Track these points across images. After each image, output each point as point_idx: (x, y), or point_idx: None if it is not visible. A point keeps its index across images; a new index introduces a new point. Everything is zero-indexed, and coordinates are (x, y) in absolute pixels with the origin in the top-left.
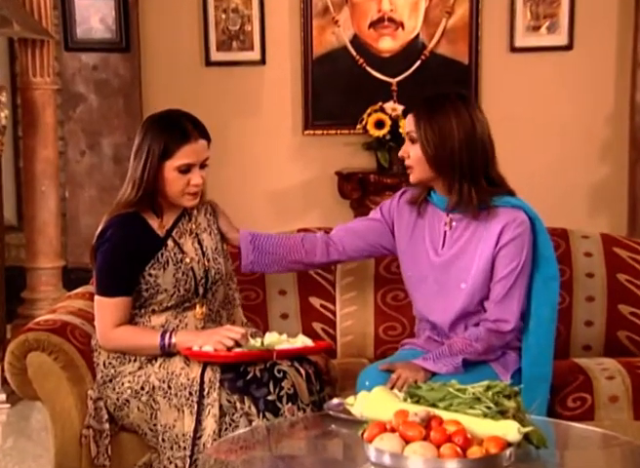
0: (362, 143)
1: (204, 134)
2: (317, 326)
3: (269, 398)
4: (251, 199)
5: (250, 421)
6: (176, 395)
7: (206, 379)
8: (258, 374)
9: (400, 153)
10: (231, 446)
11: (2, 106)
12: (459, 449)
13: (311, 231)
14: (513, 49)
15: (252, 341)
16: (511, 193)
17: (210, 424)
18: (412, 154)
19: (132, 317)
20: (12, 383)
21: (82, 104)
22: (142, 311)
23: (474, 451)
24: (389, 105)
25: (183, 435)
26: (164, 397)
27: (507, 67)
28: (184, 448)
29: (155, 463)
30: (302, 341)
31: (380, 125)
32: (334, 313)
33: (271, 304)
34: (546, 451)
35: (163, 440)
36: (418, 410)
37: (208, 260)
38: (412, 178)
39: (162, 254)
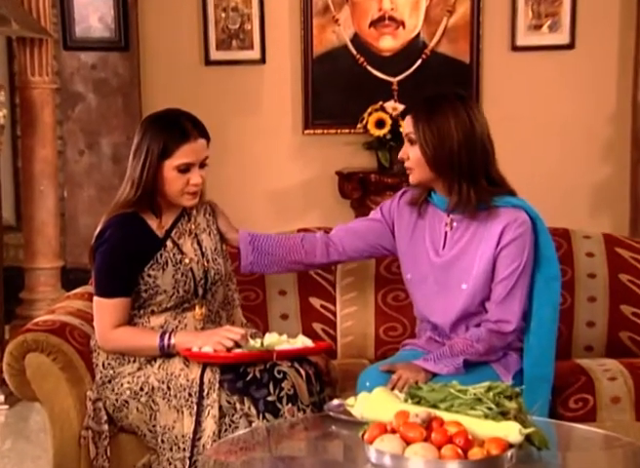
0: (362, 143)
1: (203, 133)
2: (317, 326)
3: (269, 399)
4: (251, 199)
5: (250, 422)
6: (175, 396)
7: (205, 380)
8: (257, 375)
9: (400, 155)
10: (231, 447)
11: (0, 106)
12: (460, 451)
13: (311, 231)
14: (515, 48)
15: (251, 342)
16: (512, 193)
17: (209, 425)
18: (411, 155)
19: (131, 318)
20: (10, 384)
21: (81, 104)
22: (141, 312)
23: (475, 453)
24: (390, 105)
25: (183, 436)
26: (163, 398)
27: (509, 66)
28: (184, 449)
29: (154, 464)
30: (302, 342)
31: (380, 124)
32: (334, 313)
33: (271, 305)
34: (548, 453)
35: (162, 441)
36: (418, 411)
37: (207, 261)
38: (412, 180)
39: (161, 255)
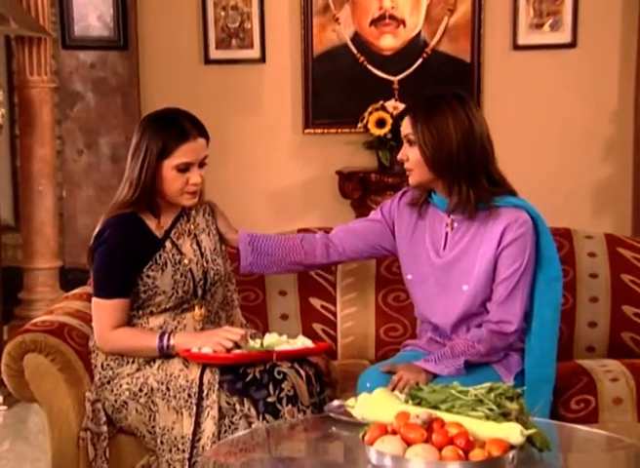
0: (363, 142)
1: (202, 132)
2: (317, 327)
3: (269, 400)
4: (250, 198)
5: (249, 423)
6: (174, 397)
7: (205, 381)
8: (257, 376)
9: (399, 156)
10: (231, 448)
11: None
12: (461, 452)
13: (311, 232)
14: (516, 47)
15: (251, 342)
16: (513, 193)
17: (209, 426)
18: (410, 157)
19: (130, 318)
20: (8, 385)
21: (79, 103)
22: (140, 313)
23: (476, 454)
24: (390, 104)
25: (182, 437)
26: (162, 399)
27: (510, 65)
28: (183, 450)
29: (154, 466)
30: (303, 342)
31: (381, 123)
32: (334, 314)
33: (271, 305)
34: (550, 454)
35: (162, 442)
36: (419, 413)
37: (206, 261)
38: (411, 181)
39: (160, 256)
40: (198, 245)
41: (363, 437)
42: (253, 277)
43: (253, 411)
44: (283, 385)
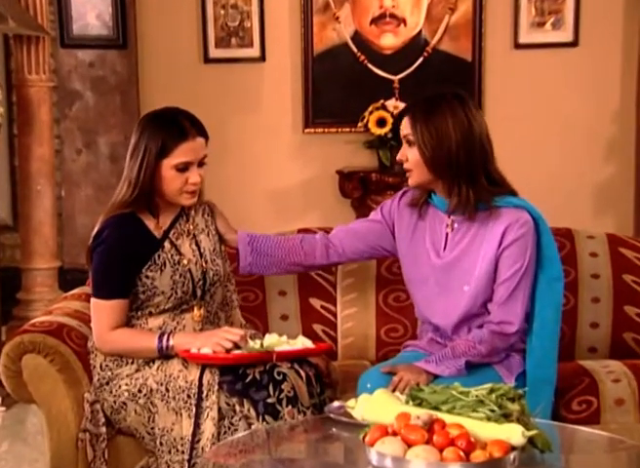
0: (363, 142)
1: (202, 131)
2: (318, 327)
3: (269, 401)
4: (250, 198)
5: (249, 424)
6: (174, 398)
7: (204, 382)
8: (257, 377)
9: (398, 157)
10: (230, 449)
11: None
12: (462, 453)
13: (311, 232)
14: (517, 45)
15: (251, 343)
16: (513, 193)
17: (208, 427)
18: (410, 157)
19: (129, 319)
20: (7, 386)
21: (78, 102)
22: (139, 313)
23: (477, 455)
24: (391, 103)
25: (182, 438)
26: (162, 400)
27: (511, 64)
28: (183, 451)
29: (153, 467)
30: (303, 343)
31: (381, 123)
32: (334, 314)
33: (271, 305)
34: (551, 455)
35: (161, 443)
36: (420, 414)
37: (206, 262)
38: (411, 182)
39: (159, 256)
40: (197, 245)
41: (363, 438)
42: (252, 277)
43: (252, 412)
44: (283, 386)
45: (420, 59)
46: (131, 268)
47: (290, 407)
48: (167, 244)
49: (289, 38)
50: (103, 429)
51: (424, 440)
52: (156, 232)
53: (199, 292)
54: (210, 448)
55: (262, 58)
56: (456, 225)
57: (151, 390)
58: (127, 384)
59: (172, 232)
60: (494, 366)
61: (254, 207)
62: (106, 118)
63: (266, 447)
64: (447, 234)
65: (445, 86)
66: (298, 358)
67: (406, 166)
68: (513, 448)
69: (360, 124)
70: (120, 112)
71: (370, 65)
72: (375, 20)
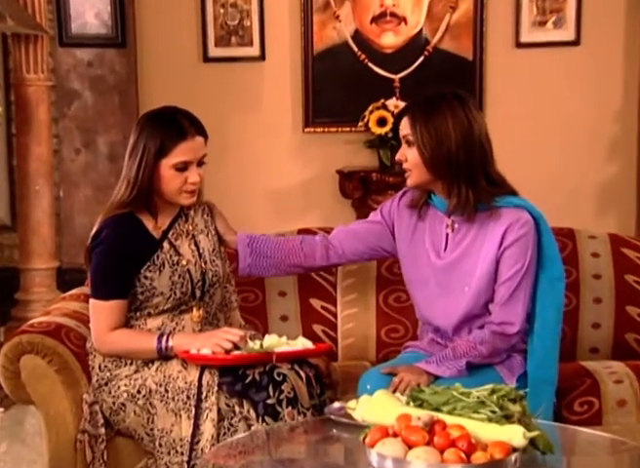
0: (364, 141)
1: (201, 130)
2: (318, 328)
3: (269, 402)
4: (250, 198)
5: (249, 426)
6: (173, 399)
7: (204, 383)
8: (257, 378)
9: (397, 157)
10: (230, 451)
11: None
12: (463, 455)
13: (311, 232)
14: (519, 44)
15: (251, 344)
16: (514, 193)
17: (208, 429)
18: (409, 157)
19: (127, 320)
20: (5, 387)
21: (77, 101)
22: (138, 314)
23: (479, 457)
24: (392, 102)
25: (181, 440)
26: (161, 401)
27: (513, 63)
28: (182, 453)
29: None
30: (303, 344)
31: (382, 122)
32: (335, 315)
33: (271, 306)
34: (553, 457)
35: (160, 445)
36: (421, 415)
37: (205, 262)
38: (409, 182)
39: (158, 257)
40: (196, 245)
41: (364, 439)
42: (252, 278)
43: (252, 413)
44: (283, 387)
45: (421, 59)
46: (129, 268)
47: (290, 408)
48: (166, 244)
49: (289, 37)
50: (102, 430)
51: (425, 441)
52: (155, 232)
53: (198, 293)
54: (209, 449)
55: (262, 56)
56: (456, 226)
57: (150, 391)
58: (126, 385)
59: (171, 232)
60: (495, 366)
61: (253, 207)
62: (105, 117)
63: (266, 448)
64: (447, 235)
65: (445, 85)
66: (298, 359)
67: (405, 166)
68: (514, 450)
69: (360, 123)
70: (119, 111)
71: (370, 64)
72: (375, 19)
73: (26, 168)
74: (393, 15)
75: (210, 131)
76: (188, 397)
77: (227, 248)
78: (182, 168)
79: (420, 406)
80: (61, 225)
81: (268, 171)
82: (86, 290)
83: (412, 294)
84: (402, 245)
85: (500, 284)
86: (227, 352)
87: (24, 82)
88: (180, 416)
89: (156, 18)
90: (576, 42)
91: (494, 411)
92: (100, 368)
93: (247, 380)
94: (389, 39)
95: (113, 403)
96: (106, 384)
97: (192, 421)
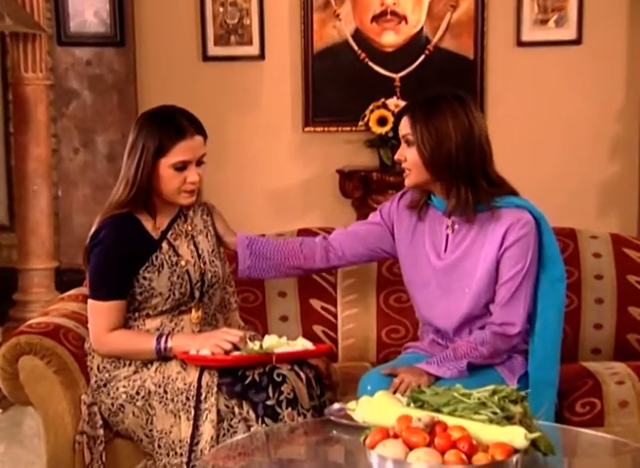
0: (364, 141)
1: (200, 130)
2: (318, 328)
3: (268, 403)
4: (249, 198)
5: (248, 427)
6: (172, 400)
7: (203, 384)
8: (256, 379)
9: (396, 156)
10: (229, 452)
11: None
12: (464, 456)
13: (311, 233)
14: (520, 43)
15: (250, 344)
16: (514, 193)
17: (207, 430)
18: (408, 157)
19: (126, 321)
20: (3, 388)
21: (75, 100)
22: (136, 315)
23: (480, 458)
24: (392, 101)
25: (180, 441)
26: (160, 402)
27: (514, 62)
28: (181, 454)
29: None
30: (303, 344)
31: (382, 122)
32: (335, 315)
33: (271, 306)
34: (554, 458)
35: (159, 446)
36: (421, 416)
37: (204, 263)
38: (407, 182)
39: (156, 257)
40: (195, 246)
41: (364, 441)
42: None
43: (252, 415)
44: (283, 388)
45: (422, 57)
46: (128, 269)
47: (289, 409)
48: (165, 245)
49: (289, 36)
50: (101, 431)
51: (426, 442)
52: (154, 233)
53: (197, 294)
54: (209, 450)
55: (262, 55)
56: (456, 226)
57: (149, 392)
58: (125, 386)
59: (170, 233)
60: (496, 367)
61: (253, 206)
62: (104, 117)
63: (266, 449)
64: (447, 236)
65: (446, 85)
66: (297, 359)
67: (404, 166)
68: (516, 451)
69: (361, 123)
70: (118, 111)
71: (371, 63)
72: (375, 18)
73: (24, 167)
74: (394, 13)
75: (209, 130)
76: (188, 398)
77: (227, 249)
78: (181, 167)
79: (421, 407)
80: (60, 225)
81: (268, 170)
82: (85, 290)
83: (412, 295)
84: (402, 246)
85: (500, 284)
86: (227, 353)
87: (22, 81)
88: (180, 417)
89: (155, 16)
90: (577, 41)
91: (495, 413)
92: (98, 369)
93: (246, 381)
94: (390, 38)
95: (112, 404)
96: (105, 385)
97: (191, 422)
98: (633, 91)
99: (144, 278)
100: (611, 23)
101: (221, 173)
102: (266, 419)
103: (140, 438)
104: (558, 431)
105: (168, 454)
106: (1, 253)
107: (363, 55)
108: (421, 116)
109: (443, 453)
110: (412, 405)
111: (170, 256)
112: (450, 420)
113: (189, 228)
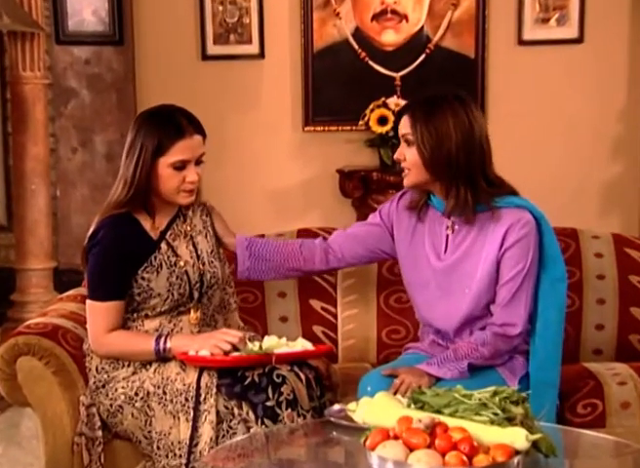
0: (364, 140)
1: (199, 129)
2: (318, 329)
3: (268, 404)
4: (249, 198)
5: (248, 428)
6: (171, 401)
7: (202, 385)
8: (256, 379)
9: (396, 156)
10: (229, 453)
11: None
12: (464, 458)
13: (311, 233)
14: (521, 42)
15: (250, 345)
16: (514, 193)
17: (206, 431)
18: (408, 157)
19: (124, 321)
20: (1, 389)
21: (74, 100)
22: (135, 315)
23: (481, 460)
24: (392, 101)
25: (179, 442)
26: (159, 403)
27: (515, 61)
28: (180, 455)
29: None
30: (302, 345)
31: (382, 121)
32: (335, 316)
33: (270, 307)
34: (556, 460)
35: (158, 447)
36: (422, 417)
37: (203, 264)
38: (406, 182)
39: (155, 258)
40: (194, 247)
41: (364, 442)
42: None
43: (251, 416)
44: (282, 389)
45: (423, 56)
46: (127, 269)
47: (289, 410)
48: (163, 245)
49: (288, 35)
50: (99, 433)
51: (426, 444)
52: (152, 233)
53: (196, 295)
54: (208, 451)
55: (262, 54)
56: (456, 227)
57: (148, 393)
58: (123, 387)
59: (168, 233)
60: (497, 368)
61: (253, 206)
62: (102, 116)
63: (265, 450)
64: (447, 236)
65: (447, 84)
66: (297, 360)
67: (403, 165)
68: (517, 453)
69: (361, 122)
70: (116, 110)
71: (371, 62)
72: (376, 17)
73: (22, 167)
74: (394, 12)
75: (208, 129)
76: (187, 399)
77: (226, 250)
78: (180, 167)
79: (422, 408)
80: (58, 225)
81: (268, 170)
82: (83, 291)
83: (412, 296)
84: (401, 247)
85: (501, 285)
86: (226, 353)
87: (21, 80)
88: (179, 419)
89: (154, 15)
90: (579, 40)
91: (496, 414)
92: (97, 370)
93: (246, 382)
94: (390, 37)
95: (111, 405)
96: (104, 386)
97: (191, 424)
98: (635, 90)
99: (143, 278)
100: (612, 22)
101: (221, 172)
102: (266, 420)
103: (138, 439)
104: (559, 432)
105: (167, 456)
106: None
107: (363, 54)
108: (422, 116)
109: (444, 455)
110: (412, 406)
111: (169, 257)
112: (450, 421)
113: (188, 228)
